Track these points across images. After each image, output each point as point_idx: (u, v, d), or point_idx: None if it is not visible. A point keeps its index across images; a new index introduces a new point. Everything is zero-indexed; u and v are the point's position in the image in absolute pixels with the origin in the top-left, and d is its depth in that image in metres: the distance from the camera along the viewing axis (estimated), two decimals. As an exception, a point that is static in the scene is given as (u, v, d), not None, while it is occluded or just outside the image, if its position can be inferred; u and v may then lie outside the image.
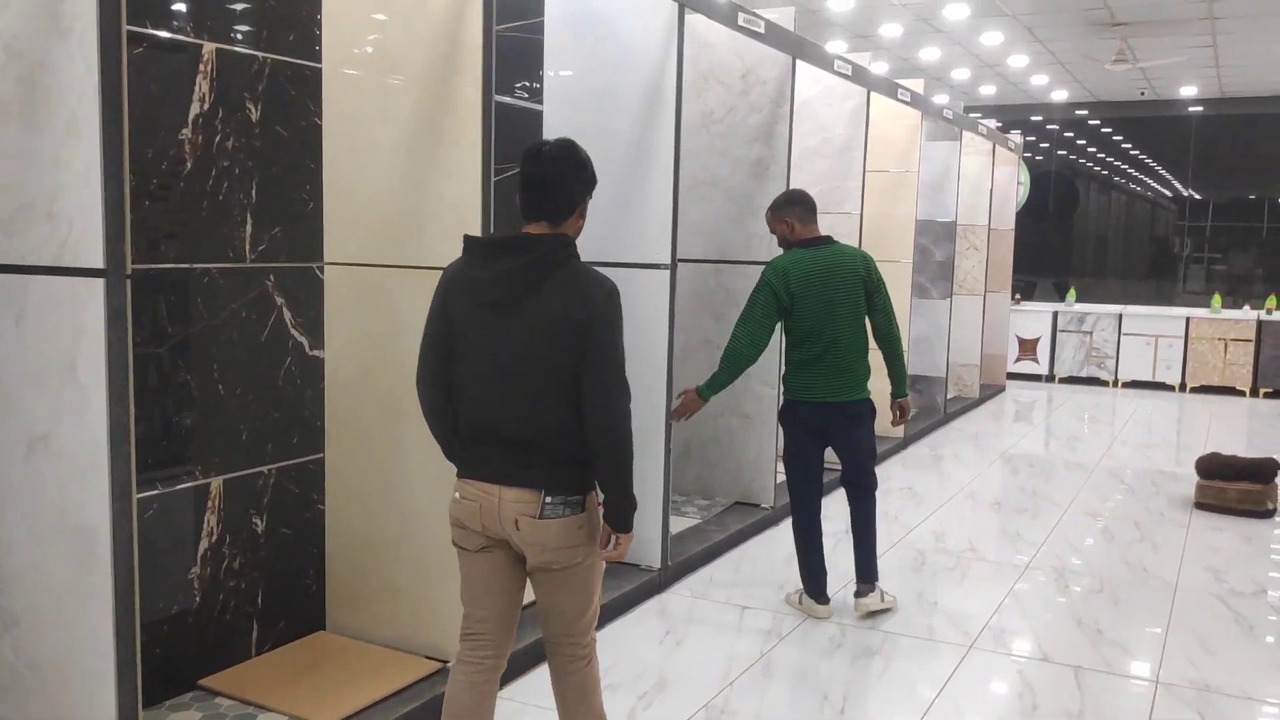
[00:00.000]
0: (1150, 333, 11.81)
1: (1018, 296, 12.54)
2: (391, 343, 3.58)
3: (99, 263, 2.39)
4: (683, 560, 4.90)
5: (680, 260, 5.90)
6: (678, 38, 4.54)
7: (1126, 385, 11.95)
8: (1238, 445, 8.66)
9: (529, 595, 2.69)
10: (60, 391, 2.48)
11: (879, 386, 4.59)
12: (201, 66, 3.23)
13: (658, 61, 4.59)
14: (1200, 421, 10.01)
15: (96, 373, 2.43)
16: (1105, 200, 14.46)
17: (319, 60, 3.60)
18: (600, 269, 2.57)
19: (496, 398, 2.51)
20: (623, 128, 4.62)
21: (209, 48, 3.24)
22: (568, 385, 2.48)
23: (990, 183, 10.21)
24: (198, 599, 3.35)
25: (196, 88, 3.22)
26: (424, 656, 3.59)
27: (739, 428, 5.93)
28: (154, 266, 3.14)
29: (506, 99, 4.56)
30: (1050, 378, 12.29)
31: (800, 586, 4.52)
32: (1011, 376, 12.00)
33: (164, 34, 3.11)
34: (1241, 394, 11.48)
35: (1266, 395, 11.40)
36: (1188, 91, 12.40)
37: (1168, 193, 13.54)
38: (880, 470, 7.28)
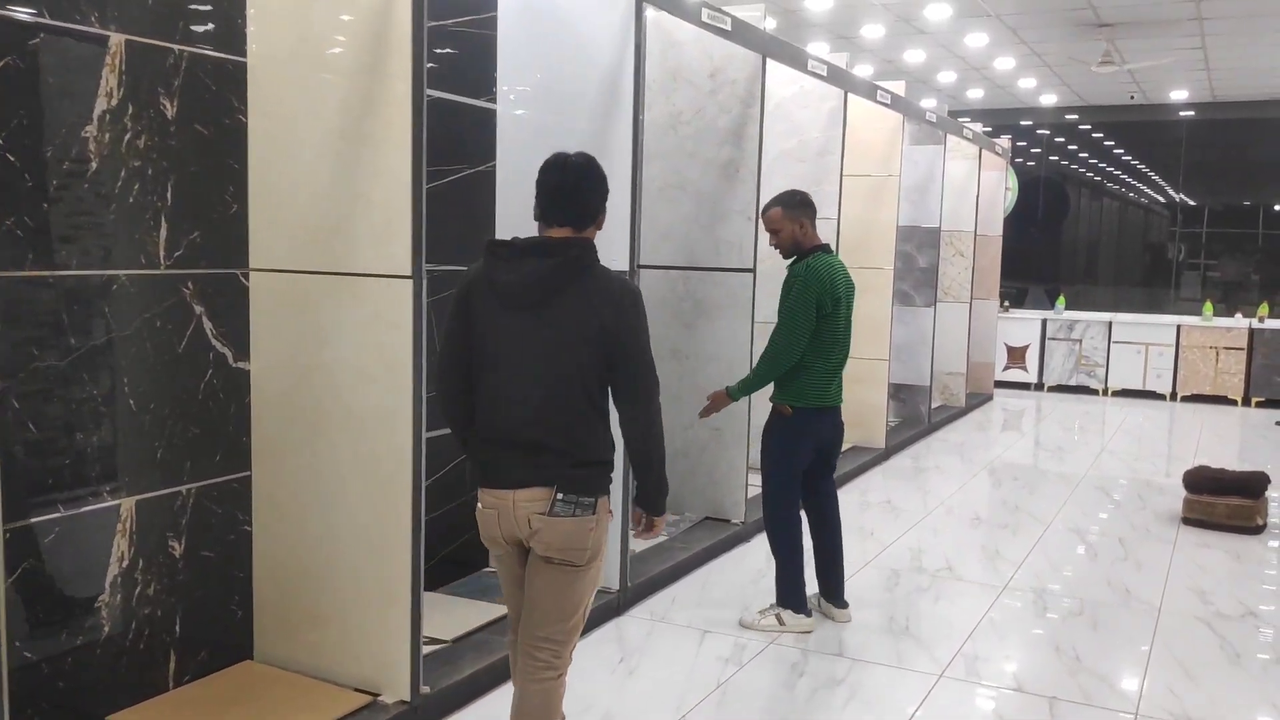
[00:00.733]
0: (1141, 341, 11.61)
1: (1006, 304, 12.33)
2: (321, 354, 3.37)
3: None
4: (644, 580, 4.68)
5: (647, 266, 5.72)
6: (635, 33, 4.32)
7: (1117, 394, 11.75)
8: (1229, 456, 8.47)
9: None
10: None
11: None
12: (108, 59, 3.01)
13: (616, 58, 4.38)
14: (1191, 431, 9.80)
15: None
16: (1096, 206, 14.28)
17: (244, 54, 3.38)
18: None
19: (516, 401, 2.57)
20: (580, 127, 4.40)
21: (117, 39, 3.02)
22: (589, 388, 2.57)
23: (976, 187, 10.01)
24: (106, 628, 3.13)
25: (103, 82, 3.00)
26: (354, 689, 3.36)
27: (710, 440, 5.71)
28: (53, 273, 2.92)
29: (456, 97, 4.34)
30: (1039, 386, 12.08)
31: (771, 604, 4.32)
32: (1000, 385, 11.79)
33: (64, 23, 2.89)
34: (1233, 403, 11.27)
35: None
36: (1178, 95, 12.21)
37: (1159, 198, 13.36)
38: (859, 482, 7.11)
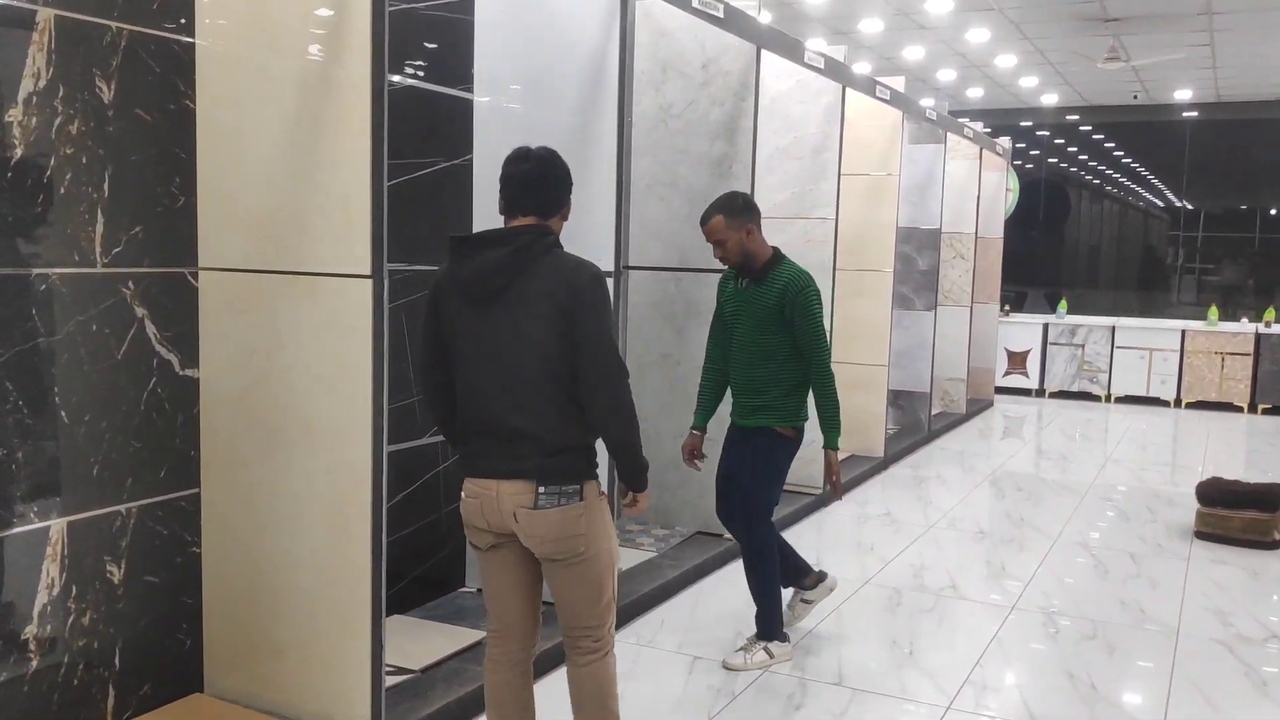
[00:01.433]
0: (1144, 346, 11.35)
1: (1007, 308, 12.07)
2: (276, 360, 3.09)
3: None
4: (632, 601, 4.40)
5: (636, 267, 5.45)
6: (621, 18, 4.05)
7: (1119, 400, 11.49)
8: (1237, 464, 8.21)
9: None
10: None
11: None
12: (36, 36, 2.73)
13: (599, 45, 4.11)
14: (1197, 440, 9.54)
15: None
16: (1098, 209, 14.03)
17: (192, 33, 3.10)
18: None
19: (490, 391, 2.56)
20: (563, 119, 4.13)
21: (45, 14, 2.74)
22: (557, 372, 2.53)
23: (977, 188, 9.74)
24: (35, 662, 2.84)
25: (30, 61, 2.73)
26: (310, 726, 3.08)
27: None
28: (-29, 271, 2.64)
29: (431, 85, 4.07)
30: (1040, 392, 11.81)
31: (752, 639, 3.99)
32: (1000, 391, 11.52)
33: (-16, -5, 2.62)
34: (1239, 410, 11.01)
35: (1265, 412, 10.93)
36: (1182, 95, 11.95)
37: (1161, 202, 13.10)
38: (858, 493, 6.84)
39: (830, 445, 3.84)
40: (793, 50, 5.75)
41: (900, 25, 8.88)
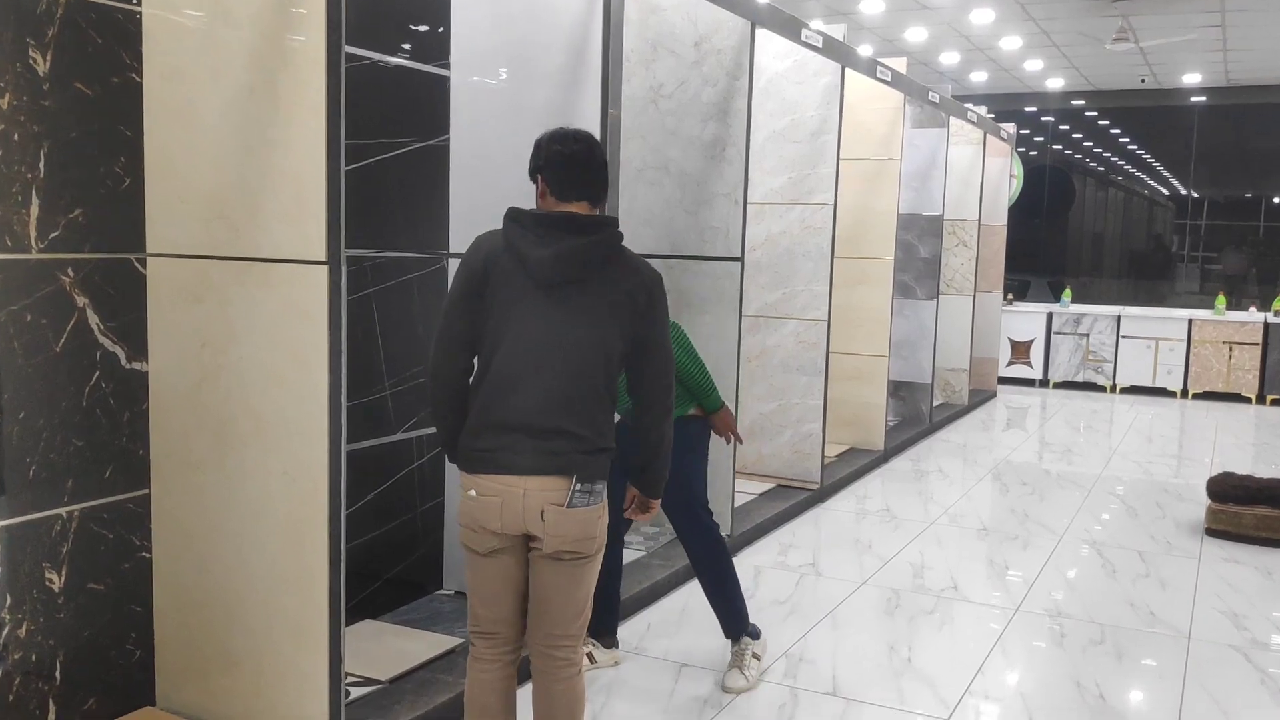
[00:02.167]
0: (1150, 335, 11.12)
1: (1010, 296, 11.84)
2: (229, 353, 2.88)
3: None
4: (620, 602, 4.19)
5: (625, 255, 5.23)
6: (604, -11, 3.83)
7: (1125, 391, 11.27)
8: (1245, 457, 8.00)
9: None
10: None
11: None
12: (-40, 1, 2.52)
13: (583, 21, 3.88)
14: (1205, 431, 9.32)
15: None
16: (1103, 196, 13.80)
17: (138, 2, 2.89)
18: None
19: (526, 381, 2.43)
20: (543, 97, 3.90)
21: (-30, -23, 2.53)
22: (611, 372, 2.48)
23: (980, 174, 9.50)
24: (-34, 678, 2.65)
25: (-47, 28, 2.51)
26: (266, 743, 2.89)
27: (692, 444, 5.22)
28: (-113, 257, 2.43)
29: (403, 61, 3.85)
30: (1044, 382, 11.59)
31: (739, 646, 3.70)
32: (1003, 381, 11.30)
33: (-101, -45, 2.40)
34: (1247, 401, 10.79)
35: (1274, 402, 10.71)
36: (1191, 79, 11.69)
37: (1167, 190, 12.87)
38: (856, 488, 6.63)
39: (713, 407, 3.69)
40: (789, 28, 5.52)
41: (902, 5, 8.64)
